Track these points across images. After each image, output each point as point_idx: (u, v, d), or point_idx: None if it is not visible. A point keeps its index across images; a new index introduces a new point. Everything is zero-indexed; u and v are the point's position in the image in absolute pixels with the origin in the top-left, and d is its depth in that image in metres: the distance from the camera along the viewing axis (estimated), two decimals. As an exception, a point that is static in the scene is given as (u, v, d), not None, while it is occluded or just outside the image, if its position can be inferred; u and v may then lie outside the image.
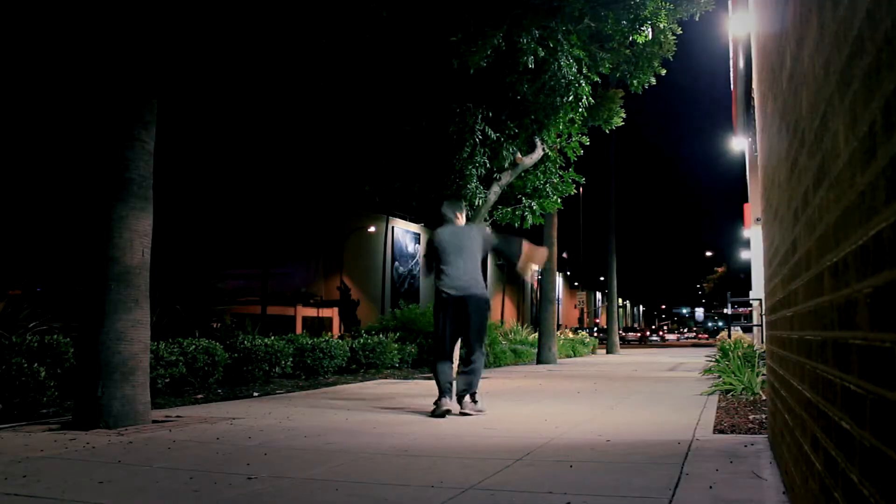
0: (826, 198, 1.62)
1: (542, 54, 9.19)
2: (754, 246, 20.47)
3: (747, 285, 27.30)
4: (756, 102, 4.96)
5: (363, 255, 51.98)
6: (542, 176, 11.62)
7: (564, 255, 71.31)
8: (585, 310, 60.86)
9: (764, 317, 5.86)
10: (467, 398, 6.07)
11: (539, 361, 16.67)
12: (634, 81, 10.73)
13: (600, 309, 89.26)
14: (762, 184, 4.10)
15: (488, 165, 10.48)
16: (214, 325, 10.75)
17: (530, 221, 11.51)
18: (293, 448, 4.28)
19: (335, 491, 3.13)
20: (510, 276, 60.12)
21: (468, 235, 6.30)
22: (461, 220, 6.49)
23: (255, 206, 42.39)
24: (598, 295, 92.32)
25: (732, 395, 7.03)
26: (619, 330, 31.03)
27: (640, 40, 9.70)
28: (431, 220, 11.37)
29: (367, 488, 3.20)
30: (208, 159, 37.52)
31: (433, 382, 9.83)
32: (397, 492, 3.12)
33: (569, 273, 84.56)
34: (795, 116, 2.17)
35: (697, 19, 10.27)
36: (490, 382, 9.82)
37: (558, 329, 24.81)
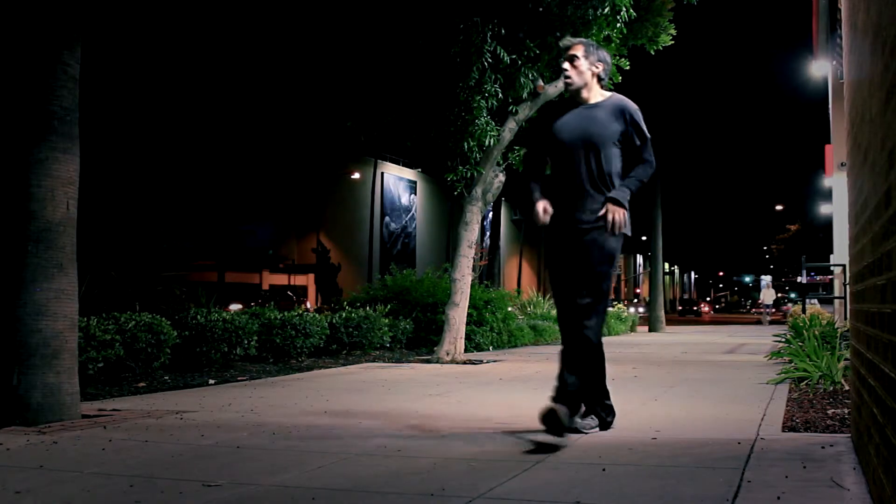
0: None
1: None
2: (837, 198, 20.35)
3: (827, 247, 27.27)
4: (843, 14, 4.89)
5: (346, 208, 51.93)
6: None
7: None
8: (623, 277, 60.91)
9: (848, 286, 5.84)
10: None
11: (565, 341, 16.70)
12: (689, -14, 10.62)
13: (641, 276, 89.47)
14: (849, 119, 4.05)
15: (501, 95, 10.39)
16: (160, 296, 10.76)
17: (555, 166, 11.44)
18: (259, 448, 4.31)
19: (311, 501, 3.16)
20: (528, 236, 60.03)
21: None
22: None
23: (212, 150, 42.05)
24: (640, 259, 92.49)
25: (807, 385, 7.05)
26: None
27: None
28: (430, 164, 11.31)
29: (350, 497, 3.23)
30: (154, 92, 37.15)
31: (432, 366, 9.96)
32: (389, 501, 3.15)
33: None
34: (894, 31, 2.13)
35: None
36: (504, 366, 9.87)
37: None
